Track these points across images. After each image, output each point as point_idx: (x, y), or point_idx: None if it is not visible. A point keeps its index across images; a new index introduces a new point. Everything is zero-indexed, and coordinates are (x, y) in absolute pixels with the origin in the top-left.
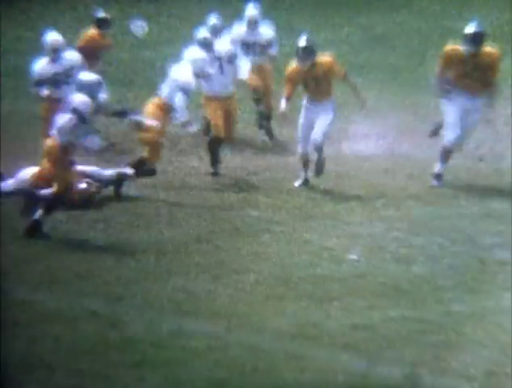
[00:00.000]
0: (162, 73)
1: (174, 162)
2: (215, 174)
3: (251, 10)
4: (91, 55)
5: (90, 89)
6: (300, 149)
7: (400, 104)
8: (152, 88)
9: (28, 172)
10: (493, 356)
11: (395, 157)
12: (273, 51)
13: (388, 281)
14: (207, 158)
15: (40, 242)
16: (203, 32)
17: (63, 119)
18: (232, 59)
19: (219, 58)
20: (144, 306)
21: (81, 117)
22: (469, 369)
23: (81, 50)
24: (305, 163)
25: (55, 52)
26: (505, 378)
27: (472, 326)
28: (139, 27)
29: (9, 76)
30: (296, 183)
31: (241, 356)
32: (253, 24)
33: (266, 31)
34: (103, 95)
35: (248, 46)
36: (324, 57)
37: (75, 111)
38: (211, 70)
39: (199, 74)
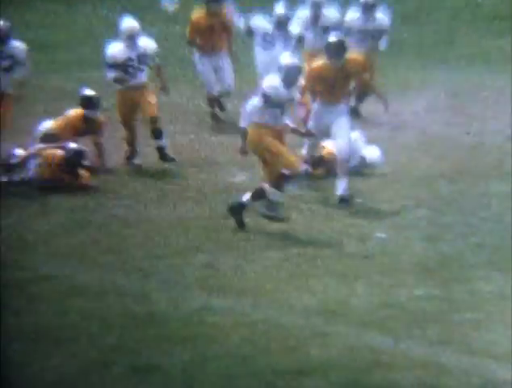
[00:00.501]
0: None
1: (204, 139)
2: None
3: None
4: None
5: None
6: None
7: (431, 81)
8: (186, 63)
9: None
10: None
11: (425, 135)
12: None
13: (415, 259)
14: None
15: (69, 217)
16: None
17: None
18: None
19: None
20: (171, 282)
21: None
22: (496, 348)
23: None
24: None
25: (131, 39)
26: None
27: (500, 306)
28: (170, 2)
29: (40, 51)
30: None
31: (267, 333)
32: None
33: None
34: None
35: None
36: (353, 55)
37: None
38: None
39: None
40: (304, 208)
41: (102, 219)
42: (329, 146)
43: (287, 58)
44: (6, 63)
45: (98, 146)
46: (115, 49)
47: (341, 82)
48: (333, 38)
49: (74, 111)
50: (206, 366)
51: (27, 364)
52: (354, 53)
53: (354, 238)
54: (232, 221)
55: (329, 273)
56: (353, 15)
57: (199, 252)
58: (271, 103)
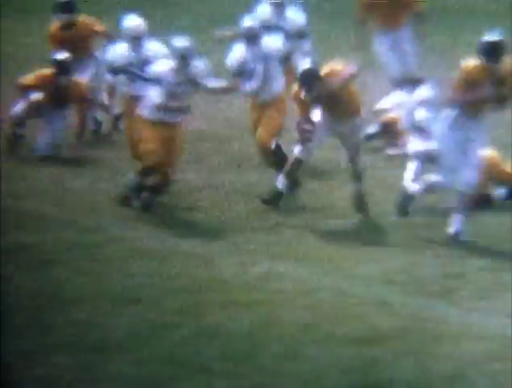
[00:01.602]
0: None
1: None
2: None
3: None
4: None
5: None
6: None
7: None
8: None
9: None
10: None
11: None
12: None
13: (481, 231)
14: None
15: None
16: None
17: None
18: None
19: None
20: (235, 248)
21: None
22: None
23: None
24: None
25: (135, 40)
26: None
27: None
28: None
29: None
30: None
31: (330, 301)
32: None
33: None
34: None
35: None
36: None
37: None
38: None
39: None
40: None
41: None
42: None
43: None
44: None
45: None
46: (117, 51)
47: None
48: (492, 37)
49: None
50: (269, 332)
51: (94, 325)
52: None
53: (420, 209)
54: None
55: (393, 243)
56: None
57: (263, 218)
58: None
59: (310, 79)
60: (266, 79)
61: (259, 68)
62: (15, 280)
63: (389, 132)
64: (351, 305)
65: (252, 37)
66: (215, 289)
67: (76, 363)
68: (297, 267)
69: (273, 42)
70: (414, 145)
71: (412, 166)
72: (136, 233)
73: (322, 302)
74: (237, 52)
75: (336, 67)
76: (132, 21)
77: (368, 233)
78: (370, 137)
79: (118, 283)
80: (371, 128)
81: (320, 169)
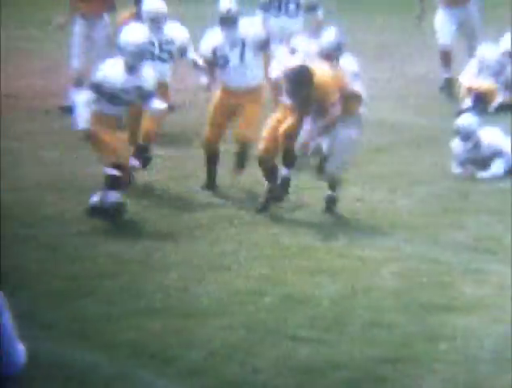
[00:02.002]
0: None
1: None
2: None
3: None
4: None
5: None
6: None
7: None
8: None
9: None
10: None
11: None
12: None
13: None
14: None
15: None
16: None
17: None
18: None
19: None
20: (321, 215)
21: None
22: None
23: None
24: None
25: (154, 23)
26: None
27: None
28: None
29: None
30: None
31: (418, 268)
32: None
33: None
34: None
35: None
36: None
37: None
38: None
39: None
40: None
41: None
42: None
43: None
44: None
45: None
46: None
47: None
48: None
49: None
50: (355, 298)
51: (183, 292)
52: None
53: None
54: (384, 156)
55: (483, 209)
56: None
57: (349, 185)
58: None
59: (298, 83)
60: (243, 67)
61: (235, 54)
62: (108, 246)
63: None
64: (439, 272)
65: (227, 21)
66: (300, 257)
67: (165, 328)
68: (384, 234)
69: (251, 26)
70: None
71: None
72: (222, 200)
73: (409, 269)
74: (212, 38)
75: (331, 78)
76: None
77: (457, 199)
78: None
79: (205, 250)
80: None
81: None
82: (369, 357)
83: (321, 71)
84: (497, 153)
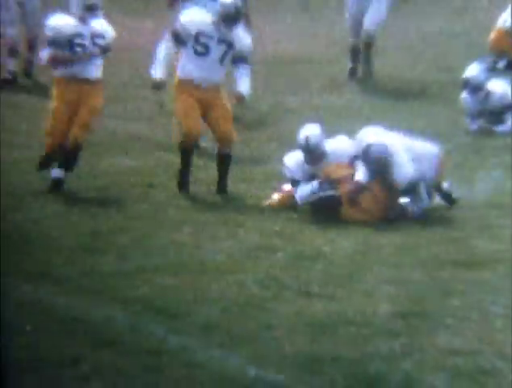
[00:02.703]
0: None
1: None
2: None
3: None
4: None
5: None
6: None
7: None
8: None
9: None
10: None
11: None
12: None
13: None
14: None
15: None
16: None
17: None
18: None
19: None
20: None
21: None
22: None
23: None
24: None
25: (85, 12)
26: None
27: None
28: None
29: None
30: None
31: (431, 224)
32: None
33: None
34: None
35: None
36: None
37: None
38: None
39: None
40: None
41: None
42: None
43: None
44: None
45: None
46: (61, 21)
47: None
48: None
49: None
50: (368, 255)
51: (196, 248)
52: None
53: None
54: None
55: (499, 164)
56: None
57: None
58: None
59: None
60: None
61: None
62: (119, 205)
63: None
64: (453, 227)
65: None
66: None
67: (178, 284)
68: None
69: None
70: None
71: None
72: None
73: (423, 226)
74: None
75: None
76: None
77: (472, 154)
78: None
79: (218, 208)
80: None
81: None
82: (381, 313)
83: None
84: (509, 107)
